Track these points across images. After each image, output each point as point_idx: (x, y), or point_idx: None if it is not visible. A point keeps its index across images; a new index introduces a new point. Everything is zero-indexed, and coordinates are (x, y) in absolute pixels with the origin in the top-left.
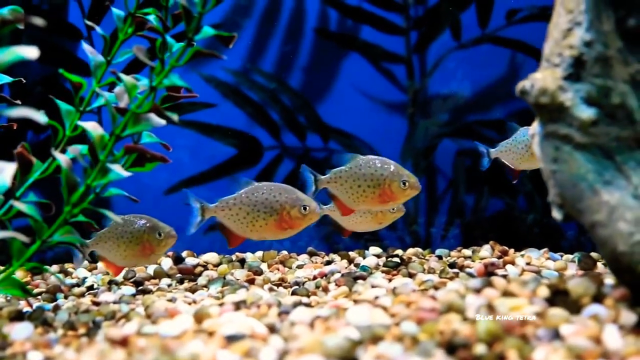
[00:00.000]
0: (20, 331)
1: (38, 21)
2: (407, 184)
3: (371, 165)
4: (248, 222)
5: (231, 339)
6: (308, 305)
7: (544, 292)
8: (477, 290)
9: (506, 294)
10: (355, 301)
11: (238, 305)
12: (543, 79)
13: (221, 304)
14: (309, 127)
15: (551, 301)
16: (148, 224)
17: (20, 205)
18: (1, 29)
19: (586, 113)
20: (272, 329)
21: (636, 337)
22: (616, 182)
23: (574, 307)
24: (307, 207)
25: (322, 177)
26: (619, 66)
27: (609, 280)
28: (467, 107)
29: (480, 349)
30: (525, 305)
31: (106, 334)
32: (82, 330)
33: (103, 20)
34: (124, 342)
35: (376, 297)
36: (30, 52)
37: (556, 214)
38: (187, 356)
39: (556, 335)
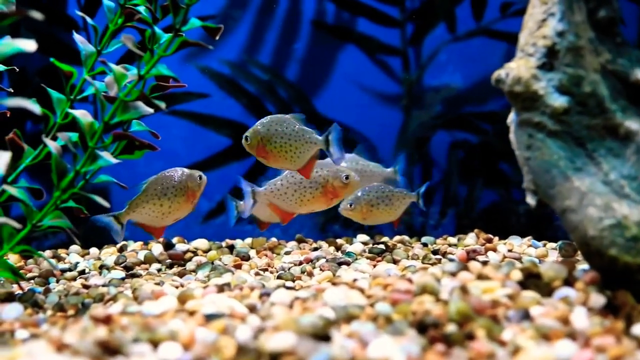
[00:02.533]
0: (10, 311)
1: (37, 15)
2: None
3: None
4: (297, 199)
5: (210, 318)
6: (291, 288)
7: (516, 275)
8: (453, 274)
9: (480, 277)
10: (334, 283)
11: (222, 288)
12: (517, 68)
13: (205, 287)
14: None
15: (523, 284)
16: (186, 172)
17: (11, 190)
18: (1, 21)
19: (558, 101)
20: (252, 309)
21: (603, 319)
22: (587, 169)
23: (546, 290)
24: (348, 176)
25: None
26: (590, 56)
27: (583, 265)
28: (462, 98)
29: (450, 328)
30: (497, 287)
31: (90, 313)
32: (71, 312)
33: (99, 11)
34: (106, 320)
35: (354, 280)
36: (29, 45)
37: (530, 200)
38: (167, 333)
39: (526, 316)
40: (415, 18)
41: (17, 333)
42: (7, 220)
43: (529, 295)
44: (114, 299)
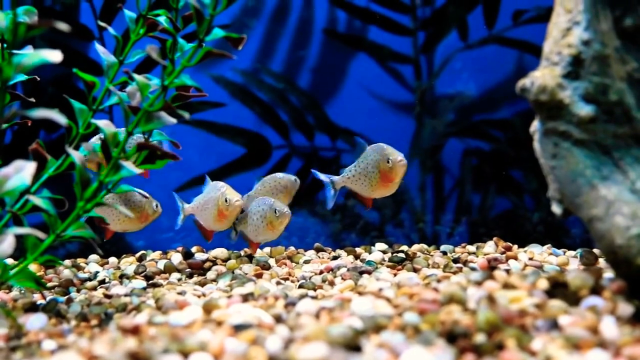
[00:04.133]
0: (35, 322)
1: (63, 27)
2: (390, 161)
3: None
4: (367, 185)
5: (238, 328)
6: (314, 297)
7: (543, 284)
8: (479, 283)
9: (507, 286)
10: (360, 293)
11: (246, 297)
12: (542, 77)
13: (229, 296)
14: (317, 127)
15: (550, 293)
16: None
17: (35, 200)
18: (28, 33)
19: (585, 110)
20: (279, 319)
21: (632, 328)
22: (614, 178)
23: (573, 299)
24: (390, 159)
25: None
26: (616, 64)
27: (609, 274)
28: (474, 106)
29: (479, 338)
30: (525, 297)
31: (117, 323)
32: (94, 322)
33: (114, 21)
34: (135, 331)
35: (380, 289)
36: (54, 56)
37: (555, 209)
38: (196, 344)
39: (554, 325)
40: (427, 26)
41: (43, 344)
42: (34, 231)
43: (556, 304)
44: (137, 308)
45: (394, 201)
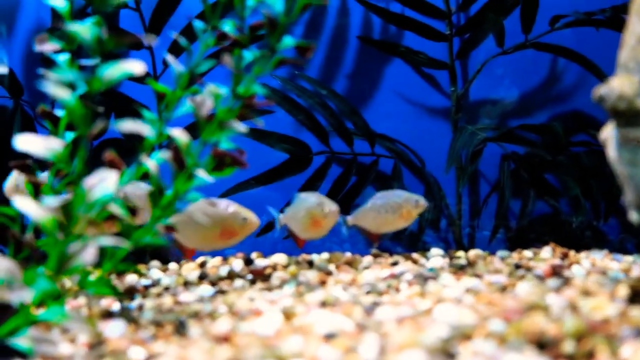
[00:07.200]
0: (114, 329)
1: (151, 40)
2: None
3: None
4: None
5: (328, 337)
6: (386, 304)
7: (623, 292)
8: (556, 290)
9: (585, 293)
10: (439, 300)
11: (322, 304)
12: (620, 86)
13: (304, 303)
14: (356, 133)
15: (631, 300)
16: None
17: (115, 209)
18: (115, 46)
19: None
20: (361, 327)
21: None
22: None
23: None
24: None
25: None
26: None
27: None
28: (510, 111)
29: (569, 347)
30: (606, 304)
31: (206, 330)
32: (168, 329)
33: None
34: (226, 339)
35: (457, 297)
36: (137, 68)
37: (634, 217)
38: (291, 353)
39: None
40: (463, 32)
41: (130, 352)
42: (116, 239)
43: (639, 313)
44: (211, 315)
45: (434, 207)
